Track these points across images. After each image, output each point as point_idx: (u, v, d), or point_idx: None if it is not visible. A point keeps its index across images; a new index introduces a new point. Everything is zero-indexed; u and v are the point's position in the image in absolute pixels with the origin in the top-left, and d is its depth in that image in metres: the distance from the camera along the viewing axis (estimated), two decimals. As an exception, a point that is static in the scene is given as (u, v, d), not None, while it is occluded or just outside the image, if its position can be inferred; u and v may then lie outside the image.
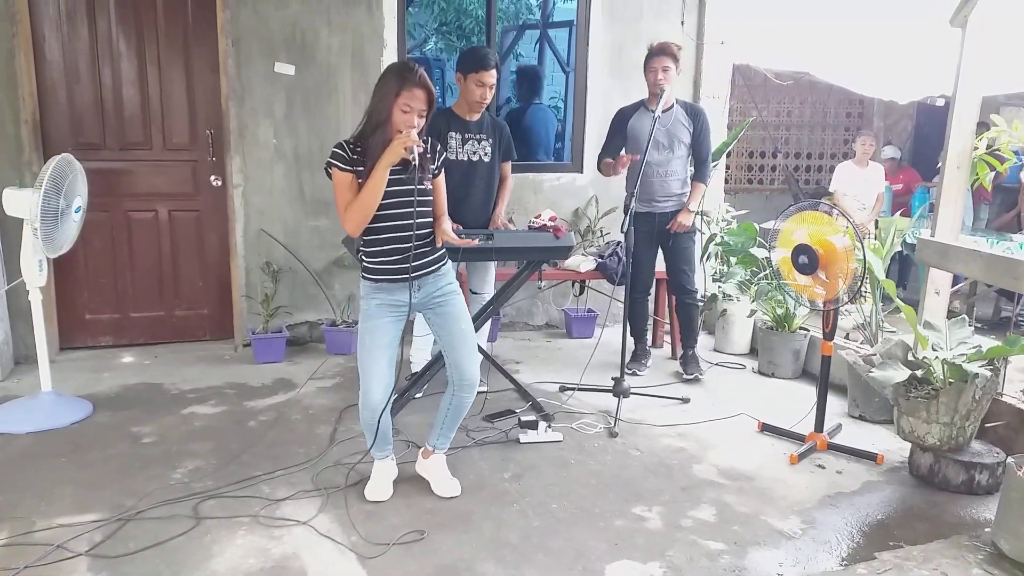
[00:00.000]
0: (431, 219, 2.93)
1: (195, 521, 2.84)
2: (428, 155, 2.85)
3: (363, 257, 2.91)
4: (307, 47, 4.81)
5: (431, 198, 2.91)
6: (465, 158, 3.98)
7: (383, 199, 2.77)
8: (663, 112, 4.29)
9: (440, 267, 2.96)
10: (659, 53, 4.34)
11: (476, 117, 4.02)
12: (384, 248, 2.85)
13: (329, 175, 2.81)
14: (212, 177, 4.87)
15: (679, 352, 4.82)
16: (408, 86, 2.73)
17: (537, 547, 2.74)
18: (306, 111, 4.88)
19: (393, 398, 2.95)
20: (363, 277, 2.93)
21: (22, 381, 4.26)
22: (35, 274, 3.74)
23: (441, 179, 2.98)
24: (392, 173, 2.76)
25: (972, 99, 3.60)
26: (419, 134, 2.77)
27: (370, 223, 2.80)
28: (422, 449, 3.21)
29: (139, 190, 4.79)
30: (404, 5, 5.08)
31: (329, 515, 2.91)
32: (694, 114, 4.50)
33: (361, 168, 2.77)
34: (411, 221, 2.81)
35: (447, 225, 2.94)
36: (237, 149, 4.77)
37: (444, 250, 2.99)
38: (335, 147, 2.81)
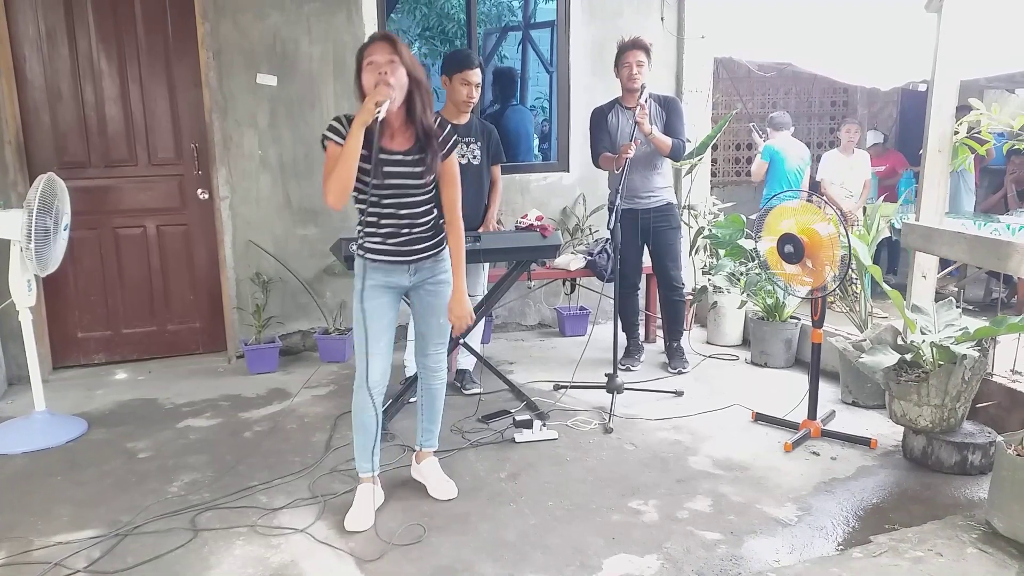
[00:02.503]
0: (432, 204, 2.86)
1: (192, 533, 2.84)
2: (439, 139, 2.77)
3: (361, 237, 2.81)
4: (288, 57, 4.82)
5: (424, 181, 2.78)
6: (453, 161, 3.99)
7: (385, 180, 2.70)
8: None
9: (439, 252, 2.91)
10: (632, 47, 4.35)
11: (464, 120, 4.04)
12: (380, 231, 2.80)
13: (324, 148, 2.75)
14: (199, 190, 4.88)
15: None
16: (366, 45, 2.68)
17: (535, 545, 2.75)
18: (290, 121, 4.88)
19: (387, 404, 2.92)
20: (358, 256, 2.84)
21: (15, 402, 4.25)
22: (24, 294, 3.74)
23: (450, 168, 2.86)
24: (393, 159, 2.72)
25: (950, 83, 3.63)
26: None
27: (370, 205, 2.74)
28: (415, 453, 3.22)
29: (126, 206, 4.79)
30: (384, 12, 5.09)
31: (327, 522, 2.92)
32: (665, 103, 4.49)
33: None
34: (412, 211, 2.78)
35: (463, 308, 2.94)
36: (222, 161, 4.78)
37: (443, 235, 2.92)
38: (332, 120, 2.75)
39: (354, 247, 2.86)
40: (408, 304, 3.07)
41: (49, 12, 4.47)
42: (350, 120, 2.68)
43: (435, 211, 2.90)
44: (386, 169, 2.72)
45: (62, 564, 2.64)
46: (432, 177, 2.80)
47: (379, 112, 2.57)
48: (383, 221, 2.79)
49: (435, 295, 2.95)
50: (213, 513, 2.99)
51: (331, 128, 2.72)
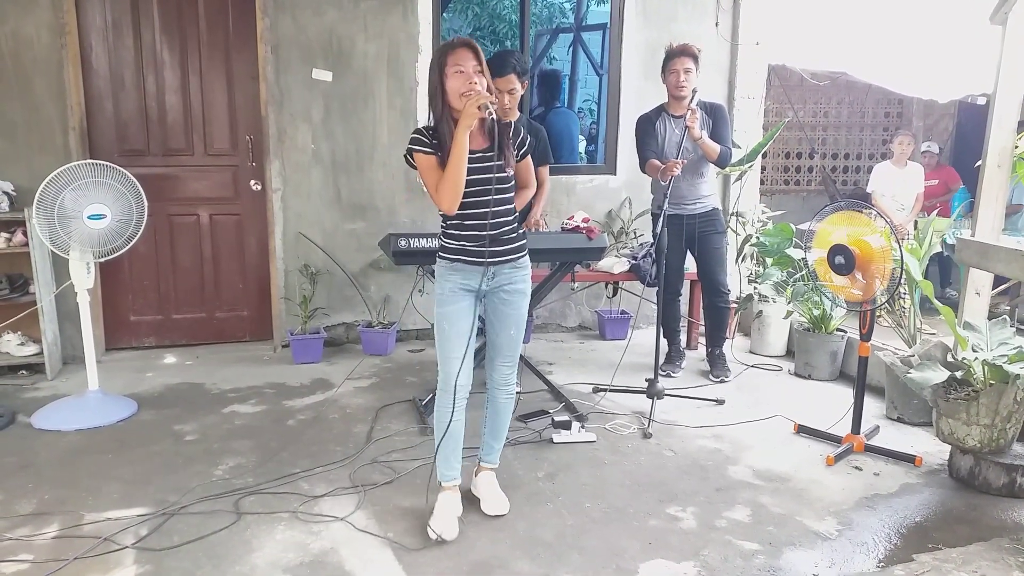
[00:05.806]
0: (512, 206, 2.85)
1: (236, 516, 2.91)
2: (511, 135, 2.82)
3: (442, 237, 2.84)
4: (344, 53, 4.89)
5: (513, 183, 2.84)
6: (499, 160, 4.01)
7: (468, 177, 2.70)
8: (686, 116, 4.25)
9: (518, 258, 2.86)
10: (680, 54, 4.27)
11: (511, 119, 4.06)
12: (463, 232, 2.77)
13: (411, 164, 2.77)
14: (252, 182, 4.98)
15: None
16: (449, 50, 2.68)
17: (571, 546, 2.76)
18: (343, 116, 4.96)
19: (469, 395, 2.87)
20: (440, 257, 2.84)
21: (69, 380, 4.39)
22: (83, 276, 3.86)
23: (524, 168, 2.94)
24: (473, 157, 2.69)
25: (1013, 97, 3.55)
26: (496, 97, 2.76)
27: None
28: (475, 468, 3.14)
29: (181, 195, 4.91)
30: (439, 11, 5.14)
31: (366, 511, 2.96)
32: (711, 110, 4.43)
33: (440, 153, 2.70)
34: (496, 208, 2.73)
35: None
36: (276, 154, 4.87)
37: (524, 241, 2.89)
38: (413, 133, 2.76)
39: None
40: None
41: (116, 3, 4.61)
42: (430, 131, 2.72)
43: (515, 212, 2.87)
44: (468, 166, 2.69)
45: (111, 539, 2.73)
46: (511, 172, 2.80)
47: (488, 113, 2.62)
48: (467, 222, 2.76)
49: (508, 304, 2.87)
50: (256, 498, 3.06)
51: (415, 141, 2.72)
